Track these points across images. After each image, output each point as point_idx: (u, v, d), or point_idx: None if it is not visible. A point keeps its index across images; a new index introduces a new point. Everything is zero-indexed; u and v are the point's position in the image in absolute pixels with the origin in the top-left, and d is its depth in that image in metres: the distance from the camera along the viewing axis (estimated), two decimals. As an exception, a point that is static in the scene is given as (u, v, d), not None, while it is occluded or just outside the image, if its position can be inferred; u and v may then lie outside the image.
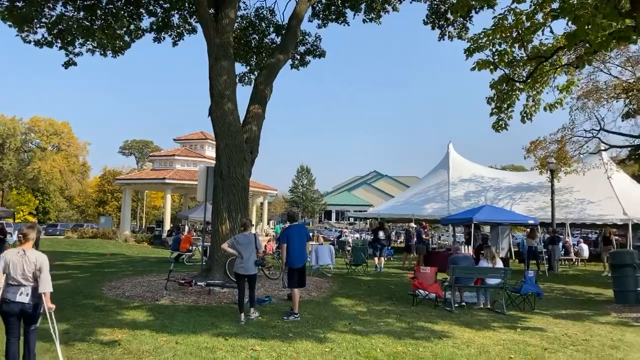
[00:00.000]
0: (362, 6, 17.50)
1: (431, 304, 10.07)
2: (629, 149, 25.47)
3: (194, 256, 19.47)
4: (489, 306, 10.19)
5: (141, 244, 30.33)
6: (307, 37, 18.53)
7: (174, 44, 17.90)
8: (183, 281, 10.78)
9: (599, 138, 22.76)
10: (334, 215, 74.12)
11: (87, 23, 15.65)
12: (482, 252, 11.62)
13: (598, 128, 22.32)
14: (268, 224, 42.91)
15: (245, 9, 18.62)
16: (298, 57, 18.63)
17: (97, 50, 16.44)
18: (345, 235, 31.67)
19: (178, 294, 10.37)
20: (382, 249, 17.43)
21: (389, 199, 45.91)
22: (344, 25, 18.16)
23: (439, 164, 30.52)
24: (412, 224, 21.97)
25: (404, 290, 11.87)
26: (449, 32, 16.33)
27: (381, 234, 17.51)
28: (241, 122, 13.02)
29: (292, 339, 6.96)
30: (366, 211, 37.12)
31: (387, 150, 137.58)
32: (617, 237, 30.79)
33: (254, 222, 36.62)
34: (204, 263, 13.63)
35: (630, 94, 20.96)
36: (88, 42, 16.21)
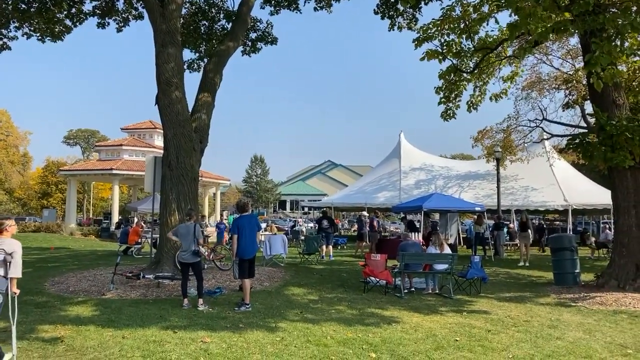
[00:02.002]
0: (313, -7, 17.39)
1: (381, 290, 10.25)
2: (568, 137, 26.70)
3: (143, 249, 18.98)
4: (437, 291, 10.48)
5: (88, 237, 29.27)
6: (258, 23, 18.27)
7: (119, 29, 17.22)
8: (130, 274, 10.47)
9: (542, 127, 23.78)
10: (288, 205, 74.08)
11: (24, 5, 14.79)
12: (431, 238, 11.93)
13: (541, 118, 23.29)
14: (221, 214, 42.40)
15: (193, -6, 18.07)
16: (249, 43, 18.36)
17: (35, 34, 15.59)
18: (299, 225, 31.75)
19: (125, 288, 10.08)
20: (328, 237, 17.51)
21: (343, 188, 46.33)
22: (296, 12, 18.02)
23: (391, 153, 31.01)
24: (365, 213, 22.28)
25: (355, 278, 12.02)
26: (399, 22, 16.47)
27: (325, 223, 17.61)
28: (190, 110, 12.72)
29: (243, 330, 6.90)
30: (320, 200, 37.30)
31: (342, 139, 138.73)
32: (558, 222, 32.47)
33: (206, 213, 36.06)
34: (152, 256, 13.30)
35: (570, 85, 21.93)
36: (24, 26, 15.33)
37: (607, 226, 22.77)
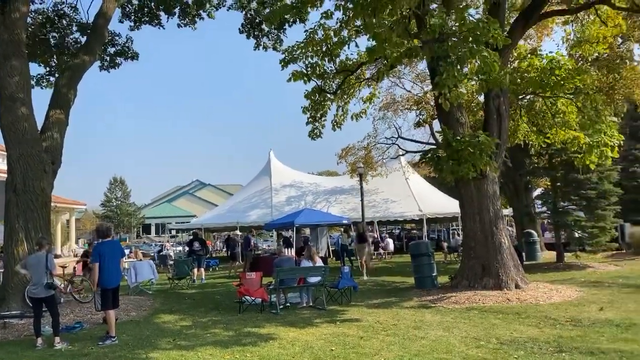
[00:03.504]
0: (177, 10, 16.98)
1: (257, 309, 10.19)
2: (421, 153, 29.27)
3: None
4: (311, 304, 10.71)
5: None
6: (117, 37, 17.28)
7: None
8: (-33, 317, 9.07)
9: (398, 145, 25.82)
10: (153, 229, 70.09)
11: None
12: (304, 252, 12.20)
13: (397, 136, 25.28)
14: (77, 242, 38.69)
15: (41, 3, 16.52)
16: (107, 58, 17.26)
17: None
18: (167, 249, 30.25)
19: (-40, 334, 8.69)
20: (199, 259, 17.00)
21: (213, 208, 45.25)
22: (159, 27, 17.39)
23: (262, 171, 31.19)
24: (237, 232, 22.01)
25: (230, 299, 11.78)
26: (264, 42, 16.80)
27: (196, 245, 17.13)
28: (39, 129, 11.53)
29: (109, 365, 6.36)
30: (189, 222, 35.99)
31: (211, 159, 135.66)
32: (415, 231, 35.20)
33: (58, 242, 32.63)
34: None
35: (420, 105, 24.18)
36: None
37: (457, 232, 25.35)
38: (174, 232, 50.83)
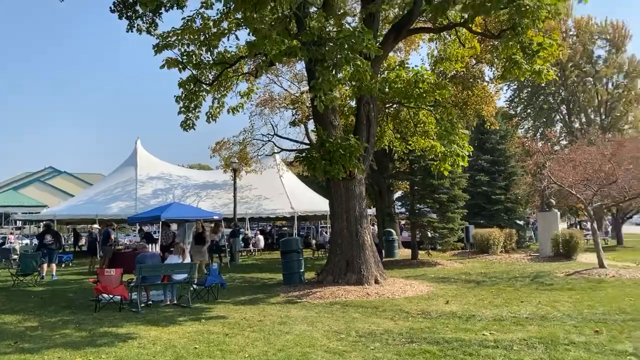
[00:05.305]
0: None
1: (116, 307, 9.56)
2: (295, 151, 29.86)
3: None
4: (175, 302, 10.33)
5: None
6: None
7: None
8: None
9: (273, 142, 25.98)
10: (-5, 219, 62.13)
11: None
12: (172, 249, 11.74)
13: (272, 133, 25.45)
14: None
15: None
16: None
17: None
18: (11, 242, 27.04)
19: None
20: (51, 254, 15.46)
21: (70, 198, 41.35)
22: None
23: (126, 161, 29.24)
24: (96, 225, 20.43)
25: (85, 297, 10.89)
26: (138, 24, 15.75)
27: (48, 238, 15.56)
28: None
29: None
30: (39, 213, 32.47)
31: (68, 145, 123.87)
32: (285, 228, 35.82)
33: None
34: None
35: (296, 105, 24.60)
36: None
37: (325, 230, 26.29)
38: (19, 224, 45.64)
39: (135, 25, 15.35)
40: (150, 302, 10.17)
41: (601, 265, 13.53)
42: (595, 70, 38.37)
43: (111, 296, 9.61)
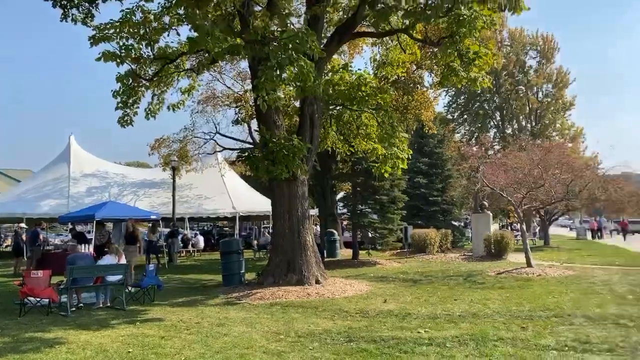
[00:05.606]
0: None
1: (44, 311, 9.07)
2: (238, 151, 29.54)
3: None
4: (108, 304, 9.94)
5: None
6: None
7: None
8: None
9: (215, 140, 25.57)
10: None
11: None
12: (106, 249, 11.28)
13: (215, 131, 25.05)
14: None
15: None
16: None
17: None
18: None
19: None
20: None
21: (-7, 195, 38.75)
22: None
23: (58, 157, 27.73)
24: (23, 224, 19.27)
25: (9, 301, 10.25)
26: (73, 14, 15.02)
27: None
28: None
29: None
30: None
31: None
32: (227, 228, 35.30)
33: None
34: None
35: (239, 104, 24.31)
36: None
37: (267, 230, 26.13)
38: None
39: (70, 14, 14.64)
40: (82, 305, 9.72)
41: (529, 264, 14.30)
42: (527, 80, 40.64)
43: (38, 299, 9.10)
